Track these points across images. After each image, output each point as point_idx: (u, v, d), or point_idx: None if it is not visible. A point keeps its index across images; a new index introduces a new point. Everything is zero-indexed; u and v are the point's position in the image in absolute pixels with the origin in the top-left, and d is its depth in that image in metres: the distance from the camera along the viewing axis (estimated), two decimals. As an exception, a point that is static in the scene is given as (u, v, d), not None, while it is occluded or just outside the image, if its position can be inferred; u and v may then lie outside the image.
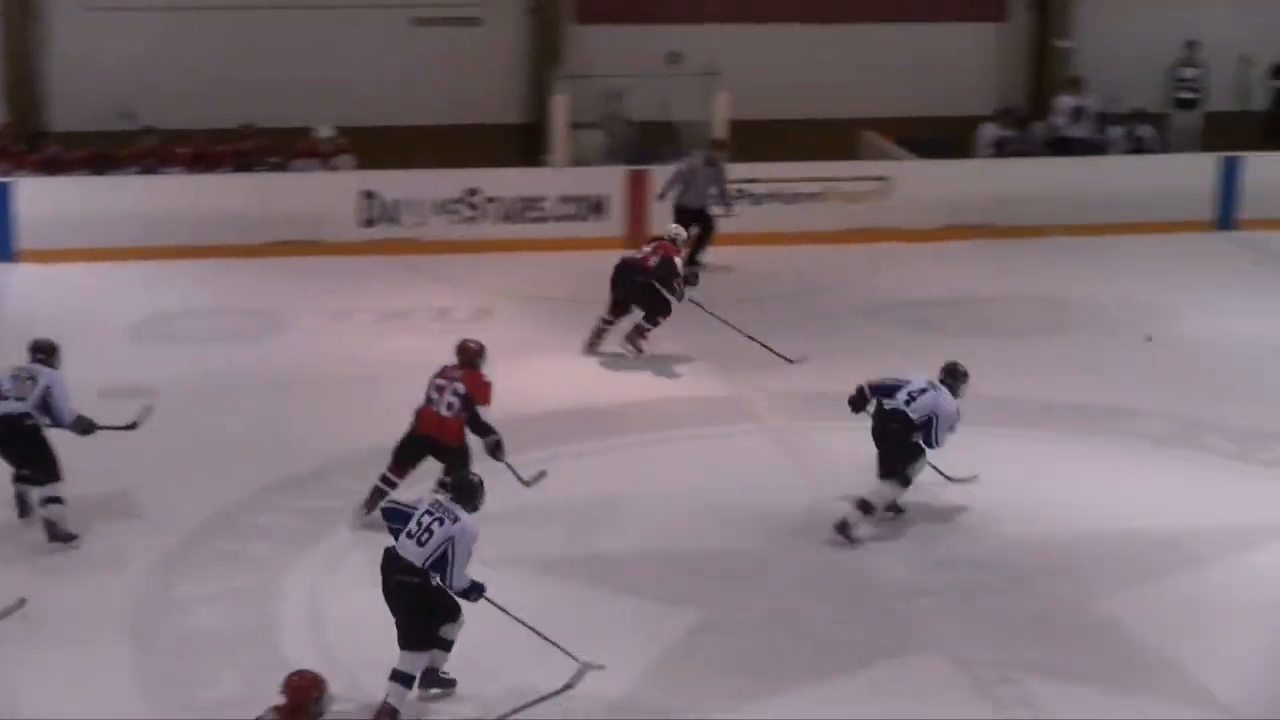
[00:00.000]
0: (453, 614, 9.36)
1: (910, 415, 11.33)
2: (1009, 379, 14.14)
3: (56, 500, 11.07)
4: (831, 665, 9.89)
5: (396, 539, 9.28)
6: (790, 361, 14.61)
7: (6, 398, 10.96)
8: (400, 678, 9.20)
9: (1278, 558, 11.35)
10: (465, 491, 9.53)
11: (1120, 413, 13.55)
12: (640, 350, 14.81)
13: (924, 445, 11.41)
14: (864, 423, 11.55)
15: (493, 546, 9.75)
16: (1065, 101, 20.09)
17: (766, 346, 14.67)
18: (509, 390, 11.85)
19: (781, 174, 18.44)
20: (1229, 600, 10.76)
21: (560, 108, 18.69)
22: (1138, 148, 20.04)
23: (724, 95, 18.63)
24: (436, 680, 9.49)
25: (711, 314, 14.78)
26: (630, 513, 11.79)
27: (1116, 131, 20.09)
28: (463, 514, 9.32)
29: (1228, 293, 16.91)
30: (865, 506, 11.43)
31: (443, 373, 11.49)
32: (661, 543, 11.36)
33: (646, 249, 14.91)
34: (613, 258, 15.04)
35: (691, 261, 16.38)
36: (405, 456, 11.46)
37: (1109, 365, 14.81)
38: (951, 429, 11.43)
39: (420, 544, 9.21)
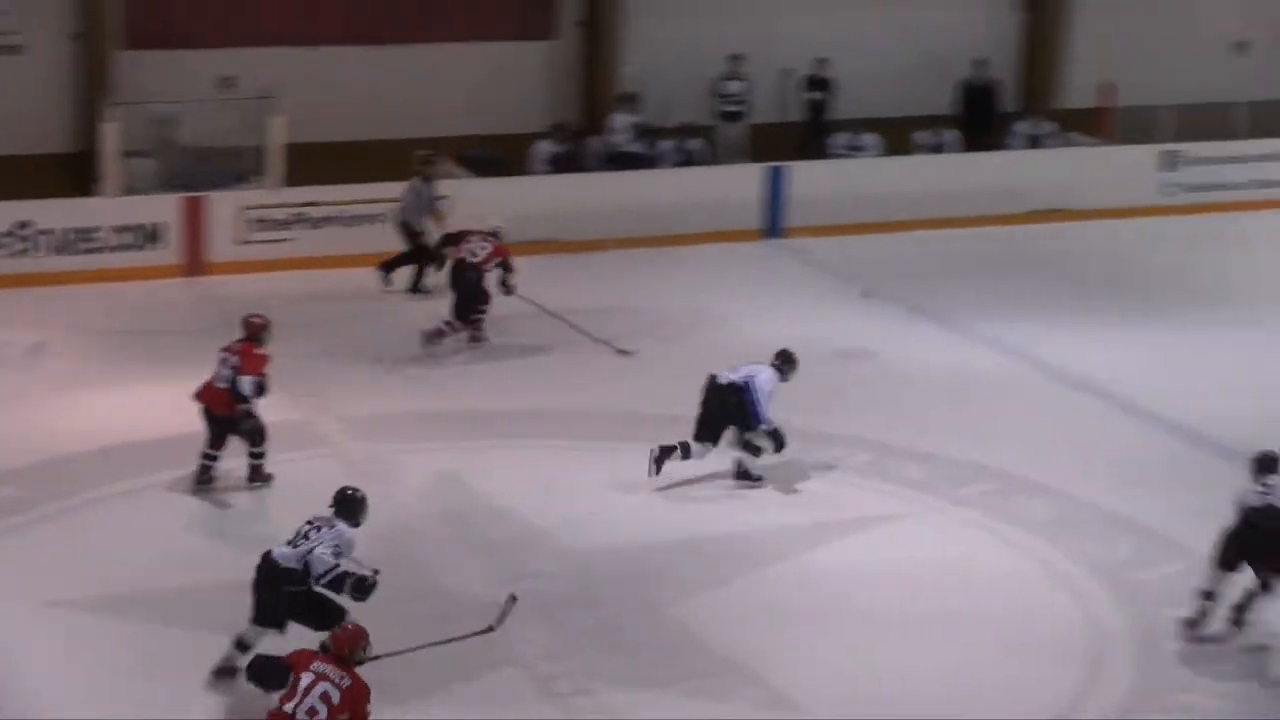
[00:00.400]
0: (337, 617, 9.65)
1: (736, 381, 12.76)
2: (582, 391, 14.56)
3: None
4: (408, 686, 9.94)
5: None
6: (625, 353, 15.65)
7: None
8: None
9: (847, 557, 11.97)
10: (347, 505, 10.03)
11: (685, 420, 14.06)
12: (436, 342, 15.69)
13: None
14: (432, 442, 11.73)
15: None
16: (620, 118, 20.68)
17: (601, 340, 15.66)
18: (64, 428, 11.63)
19: (340, 196, 18.46)
20: (800, 602, 11.27)
21: (110, 136, 18.33)
22: (688, 160, 20.78)
23: (279, 119, 18.56)
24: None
25: (542, 308, 15.88)
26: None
27: (667, 145, 20.78)
28: (342, 525, 9.94)
29: (780, 299, 17.66)
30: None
31: (226, 346, 12.48)
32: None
33: (476, 248, 15.92)
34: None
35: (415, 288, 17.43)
36: (208, 428, 12.51)
37: (672, 374, 15.34)
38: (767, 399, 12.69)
39: (295, 546, 9.84)
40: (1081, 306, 17.76)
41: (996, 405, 14.66)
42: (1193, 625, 11.14)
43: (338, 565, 9.72)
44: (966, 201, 20.59)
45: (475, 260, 15.94)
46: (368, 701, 8.83)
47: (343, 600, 9.79)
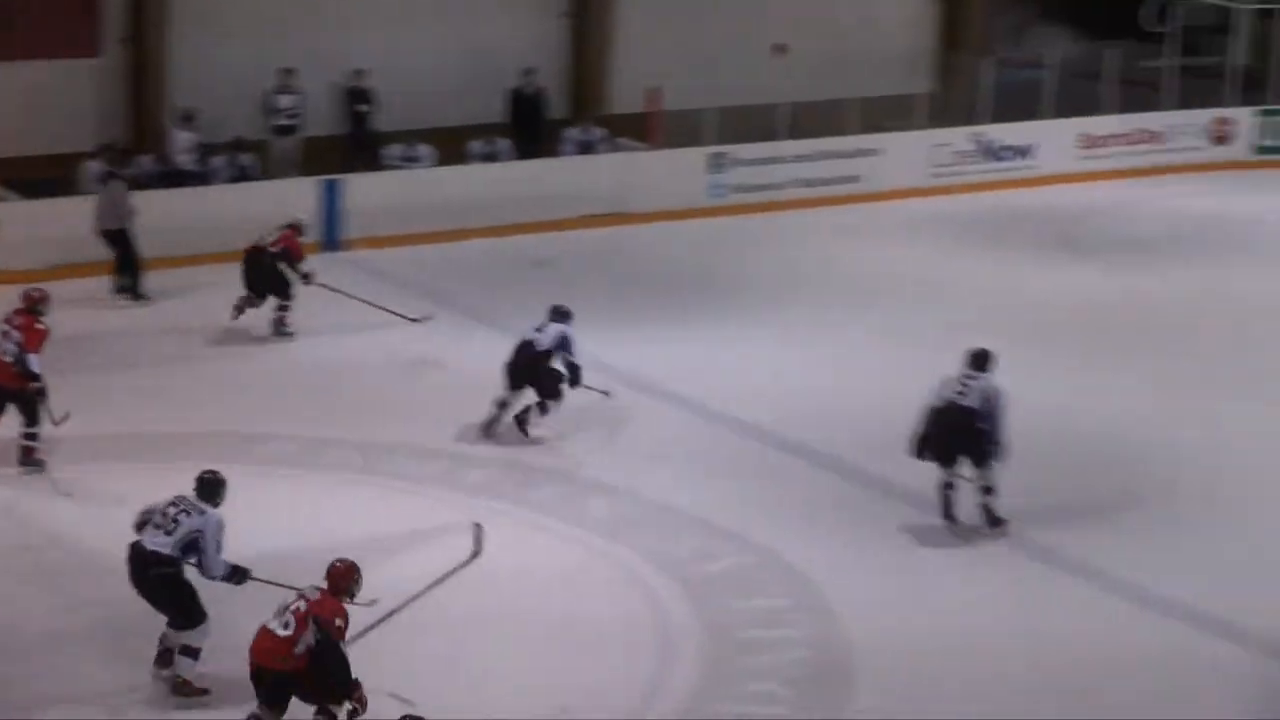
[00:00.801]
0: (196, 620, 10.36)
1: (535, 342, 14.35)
2: (136, 412, 14.37)
3: None
4: None
5: (140, 533, 10.30)
6: (416, 320, 17.08)
7: None
8: (188, 651, 10.39)
9: (417, 560, 12.10)
10: (209, 487, 10.55)
11: (255, 438, 14.03)
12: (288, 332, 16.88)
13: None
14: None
15: None
16: (182, 135, 20.40)
17: (394, 312, 16.96)
18: None
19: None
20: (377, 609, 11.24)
21: None
22: (241, 176, 20.61)
23: None
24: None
25: (338, 291, 16.71)
26: None
27: (219, 161, 20.58)
28: (208, 508, 10.39)
29: (345, 311, 17.60)
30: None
31: (6, 318, 12.84)
32: None
33: (271, 236, 16.86)
34: None
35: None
36: None
37: (238, 391, 15.29)
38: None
39: (168, 533, 10.29)
40: (637, 308, 18.33)
41: (561, 408, 15.04)
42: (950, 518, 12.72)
43: (228, 567, 10.47)
44: (522, 208, 20.99)
45: (267, 243, 16.78)
46: (338, 616, 9.88)
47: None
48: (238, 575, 10.54)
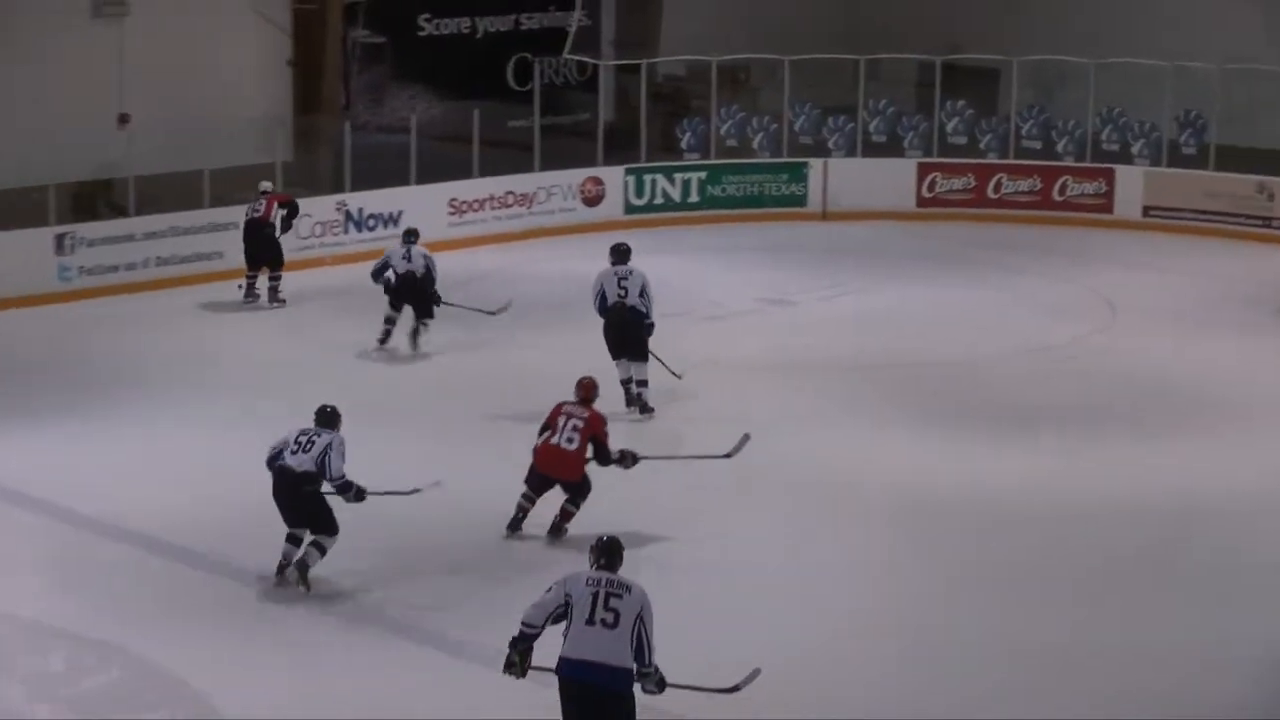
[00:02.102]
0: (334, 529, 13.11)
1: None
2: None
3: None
4: None
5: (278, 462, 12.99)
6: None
7: None
8: (319, 546, 13.15)
9: None
10: (329, 417, 13.33)
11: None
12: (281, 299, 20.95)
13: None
14: None
15: None
16: None
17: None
18: None
19: None
20: None
21: None
22: None
23: None
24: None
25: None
26: None
27: None
28: (335, 433, 13.13)
29: None
30: None
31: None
32: None
33: (259, 207, 21.08)
34: None
35: None
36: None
37: None
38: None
39: (306, 452, 13.00)
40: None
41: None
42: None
43: (344, 475, 13.00)
44: None
45: (259, 215, 20.77)
46: (604, 425, 14.07)
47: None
48: (356, 489, 13.11)
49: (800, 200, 27.79)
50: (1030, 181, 27.48)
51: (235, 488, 14.71)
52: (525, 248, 25.36)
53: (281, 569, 13.24)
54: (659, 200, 27.25)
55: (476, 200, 25.76)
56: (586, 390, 14.38)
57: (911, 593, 13.52)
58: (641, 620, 9.81)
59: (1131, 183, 26.97)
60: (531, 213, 26.15)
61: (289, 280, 22.25)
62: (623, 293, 17.27)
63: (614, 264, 17.60)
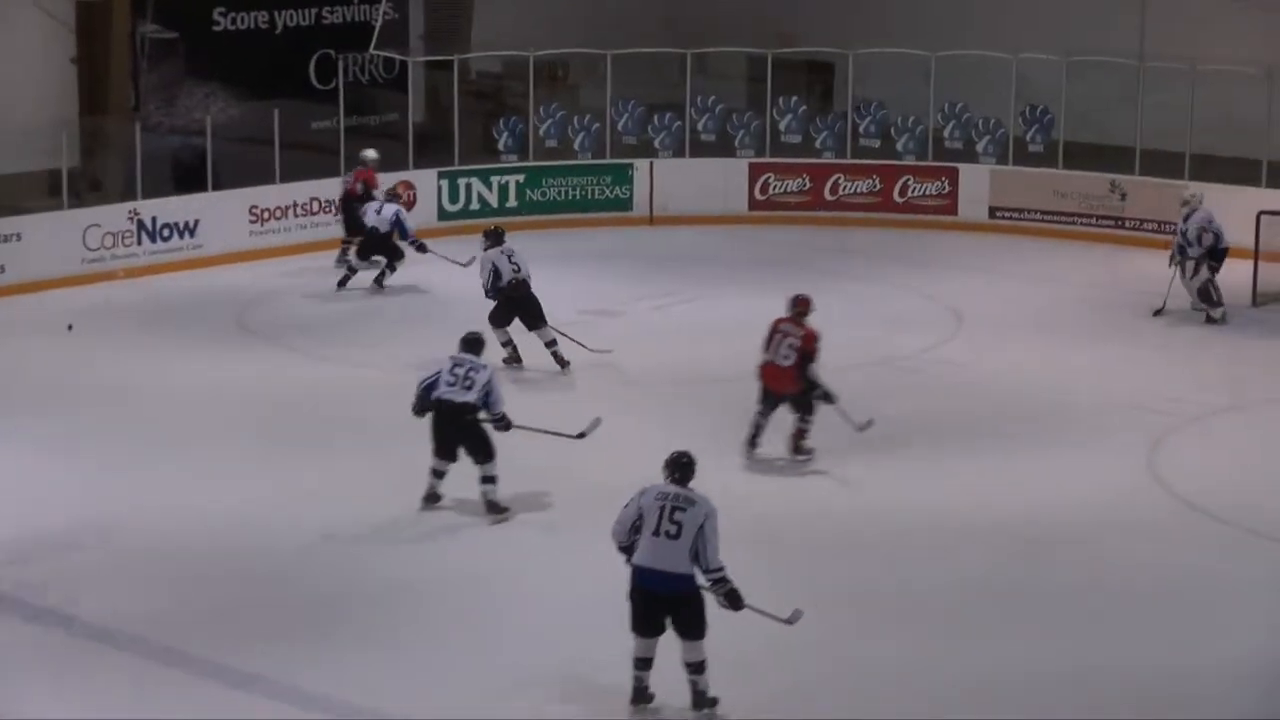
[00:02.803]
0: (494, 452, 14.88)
1: None
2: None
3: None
4: None
5: (436, 391, 14.71)
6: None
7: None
8: (489, 479, 14.84)
9: None
10: (474, 345, 15.10)
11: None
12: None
13: None
14: None
15: None
16: None
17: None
18: None
19: None
20: None
21: None
22: None
23: None
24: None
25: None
26: None
27: None
28: (481, 360, 14.93)
29: None
30: None
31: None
32: None
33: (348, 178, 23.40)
34: None
35: None
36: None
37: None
38: None
39: (467, 387, 14.64)
40: None
41: None
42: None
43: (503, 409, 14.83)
44: None
45: (347, 187, 23.16)
46: (816, 341, 15.71)
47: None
48: (506, 420, 14.85)
49: (625, 204, 27.33)
50: (869, 182, 27.19)
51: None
52: (333, 257, 24.58)
53: (427, 499, 15.01)
54: (475, 205, 26.60)
55: (279, 207, 24.99)
56: (802, 306, 16.05)
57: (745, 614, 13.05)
58: (702, 531, 11.32)
59: (976, 182, 26.78)
60: (338, 220, 25.38)
61: (76, 296, 21.74)
62: (515, 268, 19.02)
63: (493, 246, 19.25)
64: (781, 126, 28.08)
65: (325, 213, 25.24)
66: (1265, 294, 22.19)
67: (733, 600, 11.45)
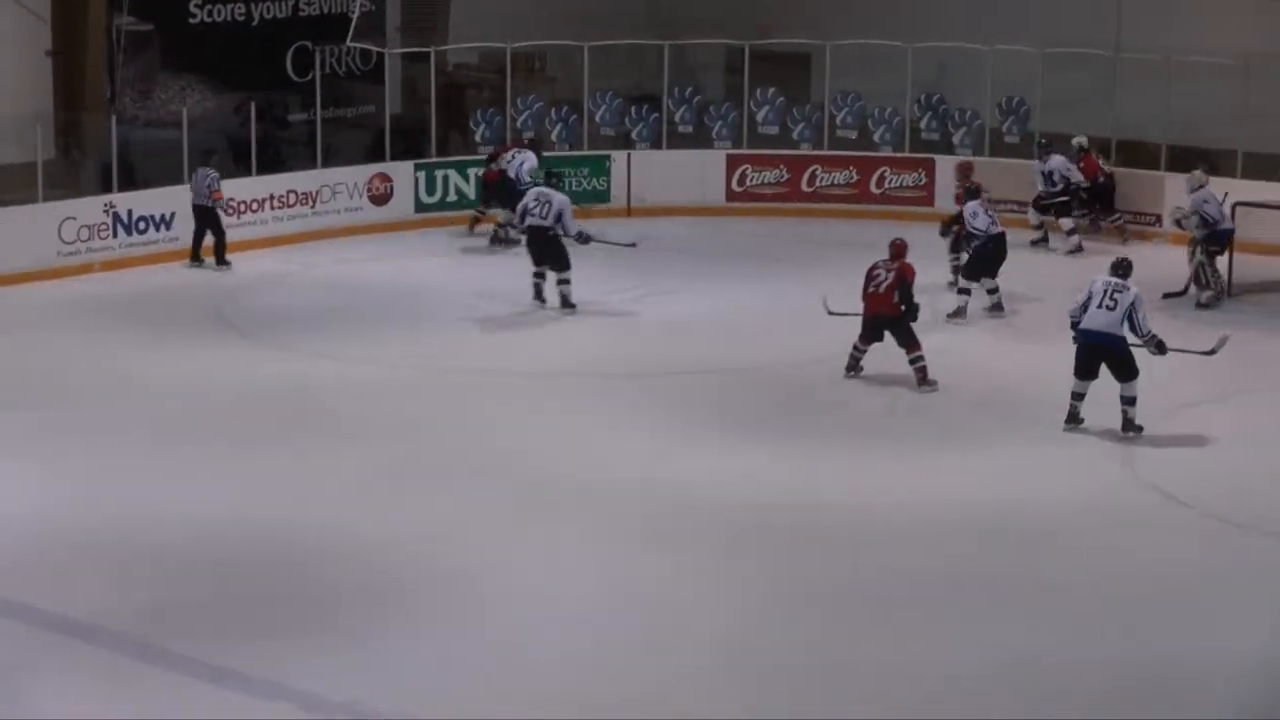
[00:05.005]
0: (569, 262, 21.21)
1: None
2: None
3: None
4: None
5: (526, 221, 21.27)
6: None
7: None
8: (566, 282, 21.33)
9: None
10: (552, 175, 22.22)
11: None
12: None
13: None
14: None
15: None
16: None
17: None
18: None
19: None
20: None
21: None
22: None
23: None
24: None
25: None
26: None
27: None
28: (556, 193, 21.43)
29: None
30: None
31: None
32: None
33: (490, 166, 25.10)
34: None
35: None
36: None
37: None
38: None
39: (544, 216, 21.11)
40: None
41: None
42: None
43: (580, 229, 21.50)
44: None
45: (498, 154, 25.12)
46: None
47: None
48: (584, 235, 21.36)
49: (603, 195, 27.32)
50: (846, 173, 27.26)
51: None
52: (309, 250, 24.61)
53: (536, 296, 21.34)
54: (452, 197, 26.57)
55: (255, 200, 24.93)
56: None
57: (717, 610, 13.13)
58: (1134, 307, 16.58)
59: (953, 173, 26.77)
60: (315, 213, 25.39)
61: (53, 289, 21.80)
62: (537, 213, 21.31)
63: (545, 184, 22.01)
64: (759, 118, 28.11)
65: (302, 204, 25.23)
66: (1242, 285, 22.28)
67: (1160, 349, 16.79)
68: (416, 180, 26.44)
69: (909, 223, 26.02)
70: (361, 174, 26.00)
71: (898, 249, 18.56)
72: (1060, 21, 27.09)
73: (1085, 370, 16.98)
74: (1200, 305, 21.61)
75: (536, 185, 22.17)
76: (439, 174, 26.59)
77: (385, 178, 26.13)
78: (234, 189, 24.45)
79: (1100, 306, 16.72)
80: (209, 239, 23.44)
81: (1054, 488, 15.76)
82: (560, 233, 20.96)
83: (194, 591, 13.42)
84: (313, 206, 25.32)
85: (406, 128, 27.50)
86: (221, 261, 23.52)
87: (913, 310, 18.33)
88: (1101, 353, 16.68)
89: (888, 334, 18.43)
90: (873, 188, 27.07)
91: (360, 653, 12.40)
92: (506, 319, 21.35)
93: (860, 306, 18.56)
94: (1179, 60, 25.38)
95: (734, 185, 27.47)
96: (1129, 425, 16.85)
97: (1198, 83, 25.46)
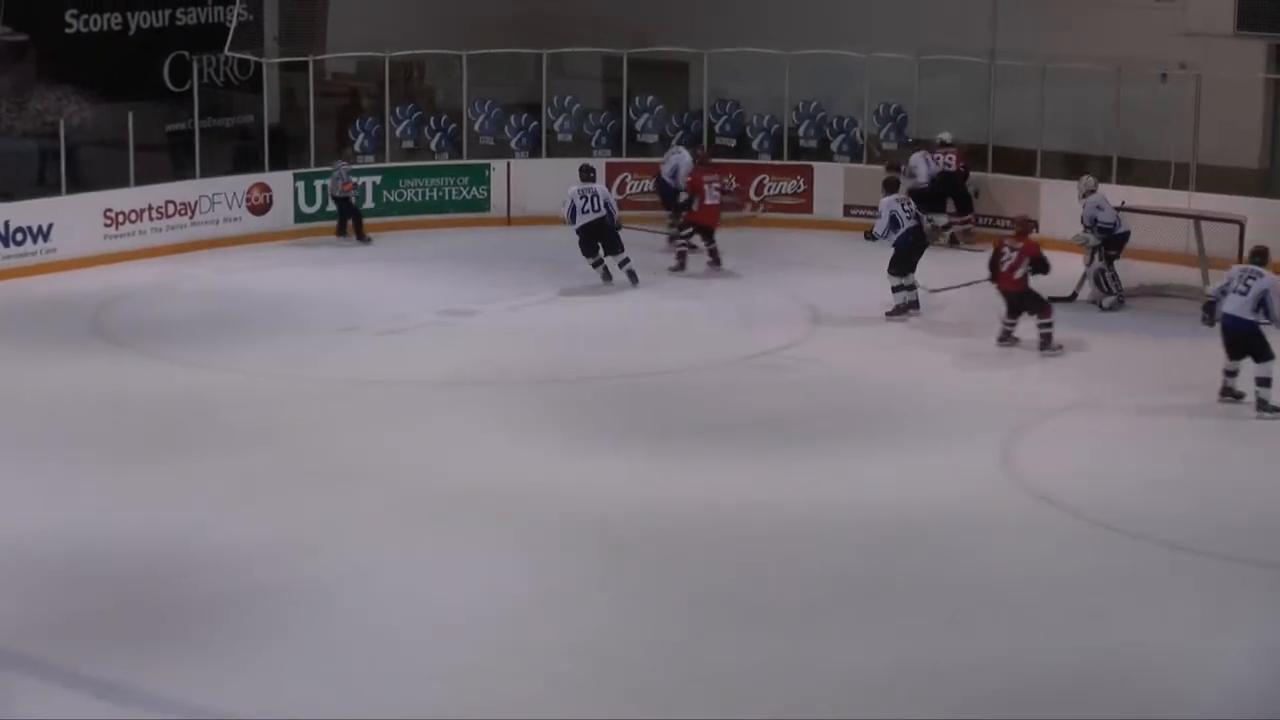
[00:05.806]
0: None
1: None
2: None
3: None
4: None
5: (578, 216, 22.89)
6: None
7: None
8: (625, 263, 23.20)
9: None
10: (588, 170, 23.95)
11: None
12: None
13: None
14: None
15: None
16: None
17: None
18: None
19: None
20: None
21: None
22: None
23: None
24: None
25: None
26: None
27: None
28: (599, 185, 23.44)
29: None
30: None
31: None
32: None
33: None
34: None
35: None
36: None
37: None
38: None
39: (595, 209, 22.77)
40: None
41: None
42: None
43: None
44: None
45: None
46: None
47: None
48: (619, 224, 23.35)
49: (483, 205, 27.30)
50: (725, 181, 27.28)
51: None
52: (188, 260, 24.39)
53: (605, 278, 23.07)
54: (331, 207, 26.39)
55: (134, 210, 24.70)
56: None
57: (593, 615, 13.13)
58: (1265, 293, 17.49)
59: (831, 180, 27.00)
60: (194, 223, 25.18)
61: None
62: (590, 209, 22.85)
63: (583, 181, 23.32)
64: (638, 126, 28.16)
65: (181, 215, 25.02)
66: (1130, 289, 22.48)
67: None
68: (296, 190, 26.28)
69: (788, 230, 26.22)
70: (240, 184, 25.80)
71: (1024, 228, 20.32)
72: (936, 28, 27.27)
73: (1229, 350, 18.08)
74: (1104, 309, 21.89)
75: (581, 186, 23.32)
76: (318, 184, 26.41)
77: (264, 187, 25.97)
78: (111, 200, 24.24)
79: (1234, 291, 17.76)
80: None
81: (935, 489, 15.82)
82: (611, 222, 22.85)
83: (73, 603, 13.24)
84: (191, 217, 25.10)
85: (285, 137, 27.30)
86: (361, 238, 25.77)
87: (1043, 265, 20.02)
88: (1234, 335, 17.81)
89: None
90: (752, 195, 27.13)
91: (230, 661, 12.32)
92: (394, 327, 21.26)
93: (959, 280, 21.43)
94: (1053, 67, 25.65)
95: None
96: (1263, 405, 17.78)
97: (1072, 88, 25.76)
